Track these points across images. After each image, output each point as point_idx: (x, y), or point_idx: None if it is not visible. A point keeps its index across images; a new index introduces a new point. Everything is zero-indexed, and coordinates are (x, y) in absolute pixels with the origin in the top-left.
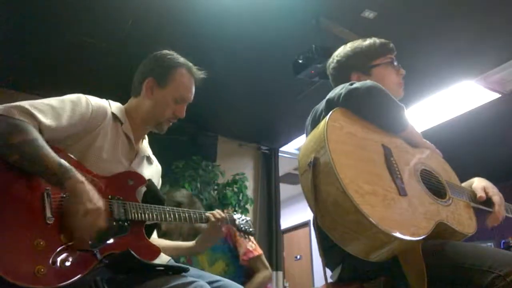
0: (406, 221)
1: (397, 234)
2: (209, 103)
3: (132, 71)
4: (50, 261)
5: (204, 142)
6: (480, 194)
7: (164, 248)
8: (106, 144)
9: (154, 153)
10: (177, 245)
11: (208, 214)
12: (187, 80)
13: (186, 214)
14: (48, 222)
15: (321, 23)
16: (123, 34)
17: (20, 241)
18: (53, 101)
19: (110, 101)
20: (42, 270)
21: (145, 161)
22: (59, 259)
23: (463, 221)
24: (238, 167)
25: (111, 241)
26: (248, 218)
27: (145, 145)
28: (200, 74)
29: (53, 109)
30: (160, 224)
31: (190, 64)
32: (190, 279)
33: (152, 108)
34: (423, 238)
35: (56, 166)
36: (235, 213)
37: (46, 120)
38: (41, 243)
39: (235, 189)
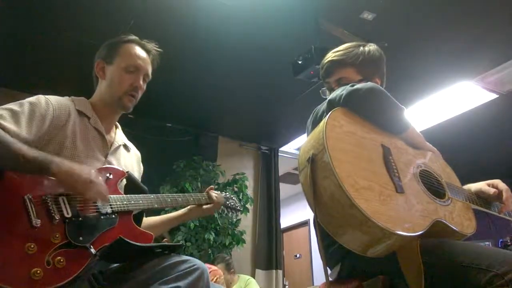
0: (401, 217)
1: (392, 229)
2: (210, 104)
3: None
4: (45, 262)
5: (205, 142)
6: (487, 187)
7: (154, 224)
8: (78, 142)
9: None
10: (166, 217)
11: (210, 196)
12: (135, 50)
13: (172, 199)
14: (35, 225)
15: (321, 24)
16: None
17: (11, 249)
18: (12, 105)
19: (74, 97)
20: (39, 272)
21: (122, 150)
22: (53, 259)
23: (462, 221)
24: (239, 166)
25: (102, 235)
26: (233, 196)
27: (119, 134)
28: (152, 46)
29: (12, 113)
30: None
31: (139, 40)
32: (185, 257)
33: (109, 86)
34: (419, 235)
35: (35, 157)
36: (222, 193)
37: (7, 124)
38: (32, 246)
39: (236, 189)
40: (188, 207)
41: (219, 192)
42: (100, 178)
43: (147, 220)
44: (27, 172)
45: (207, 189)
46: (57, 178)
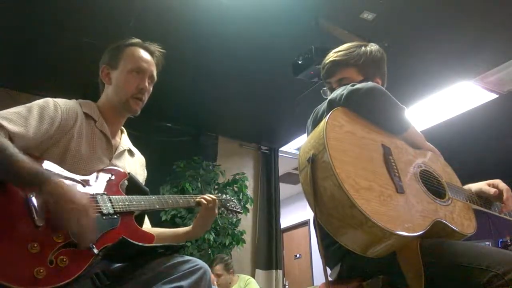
0: (401, 217)
1: (392, 229)
2: (210, 104)
3: None
4: (48, 261)
5: (205, 142)
6: (488, 187)
7: (160, 235)
8: (83, 144)
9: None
10: (173, 232)
11: (199, 199)
12: (138, 53)
13: (173, 200)
14: (38, 224)
15: (320, 24)
16: (124, 35)
17: (15, 248)
18: (21, 108)
19: (80, 100)
20: (42, 271)
21: (126, 155)
22: (56, 258)
23: (462, 221)
24: (239, 167)
25: (104, 235)
26: (233, 198)
27: (124, 139)
28: (155, 47)
29: (20, 116)
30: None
31: (142, 42)
32: (188, 257)
33: (115, 91)
34: (419, 236)
35: (31, 172)
36: (220, 194)
37: (14, 127)
38: (35, 245)
39: (236, 189)
40: (191, 226)
41: (212, 196)
42: (91, 212)
43: (154, 229)
44: (23, 186)
45: (199, 197)
46: (46, 197)
